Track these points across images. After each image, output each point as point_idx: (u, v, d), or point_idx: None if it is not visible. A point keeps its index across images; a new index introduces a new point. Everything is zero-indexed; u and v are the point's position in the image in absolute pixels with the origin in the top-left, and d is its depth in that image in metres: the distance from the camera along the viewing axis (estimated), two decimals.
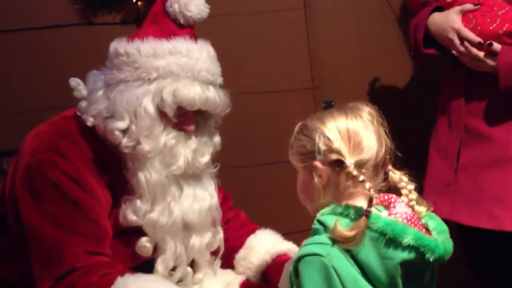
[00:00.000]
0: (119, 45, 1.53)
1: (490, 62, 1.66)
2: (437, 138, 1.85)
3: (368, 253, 1.14)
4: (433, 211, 1.26)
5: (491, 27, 1.63)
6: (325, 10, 2.37)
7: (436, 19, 1.74)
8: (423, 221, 1.23)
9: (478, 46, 1.65)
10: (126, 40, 1.54)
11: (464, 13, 1.70)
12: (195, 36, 1.56)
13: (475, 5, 1.68)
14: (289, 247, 1.66)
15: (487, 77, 1.69)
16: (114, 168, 1.53)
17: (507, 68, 1.62)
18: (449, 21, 1.69)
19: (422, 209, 1.23)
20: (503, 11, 1.63)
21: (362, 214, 1.15)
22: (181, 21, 1.53)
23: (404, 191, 1.23)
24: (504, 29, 1.60)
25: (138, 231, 1.53)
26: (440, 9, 1.77)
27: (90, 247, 1.46)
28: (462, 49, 1.68)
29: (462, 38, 1.67)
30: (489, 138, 1.69)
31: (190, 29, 1.55)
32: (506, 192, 1.65)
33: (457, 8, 1.71)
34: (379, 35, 2.40)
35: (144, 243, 1.53)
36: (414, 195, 1.23)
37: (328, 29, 2.39)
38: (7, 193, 1.53)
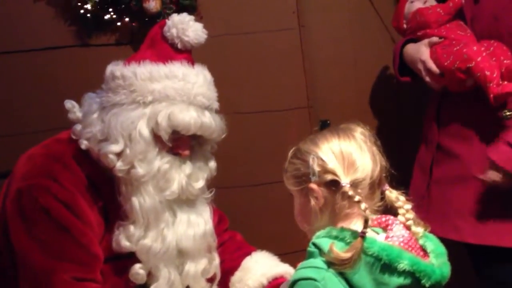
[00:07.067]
0: (115, 68, 1.55)
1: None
2: (418, 154, 2.04)
3: (363, 278, 1.16)
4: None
5: (445, 63, 1.81)
6: (319, 29, 2.42)
7: (409, 50, 1.96)
8: (420, 242, 1.25)
9: (440, 76, 1.85)
10: (123, 63, 1.57)
11: (431, 46, 1.89)
12: (192, 61, 1.59)
13: (440, 38, 1.88)
14: (285, 270, 1.68)
15: (455, 102, 1.88)
16: (108, 192, 1.54)
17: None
18: (419, 53, 1.90)
19: (419, 230, 1.25)
20: (457, 48, 1.81)
21: (357, 237, 1.17)
22: (179, 45, 1.56)
23: (401, 211, 1.24)
24: (455, 65, 1.78)
25: (130, 256, 1.54)
26: (415, 40, 1.98)
27: (79, 274, 1.46)
28: (427, 79, 1.88)
29: (427, 69, 1.87)
30: (456, 156, 1.87)
31: (187, 53, 1.58)
32: (467, 206, 1.82)
33: (425, 41, 1.91)
34: (374, 54, 2.45)
35: (138, 270, 1.54)
36: (411, 215, 1.24)
37: (322, 48, 2.43)
38: None
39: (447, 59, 1.81)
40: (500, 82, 1.72)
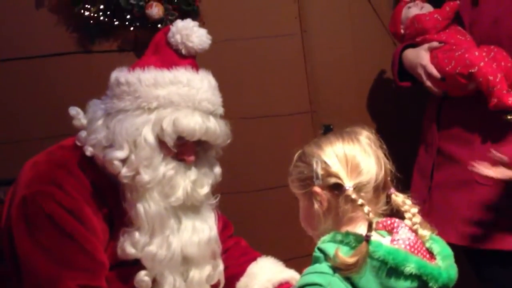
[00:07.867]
0: (120, 74, 1.56)
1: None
2: (418, 159, 2.06)
3: (370, 282, 1.16)
4: None
5: (447, 68, 1.84)
6: (321, 34, 2.43)
7: (408, 55, 1.98)
8: (427, 244, 1.26)
9: (441, 81, 1.88)
10: (127, 70, 1.57)
11: (431, 50, 1.92)
12: (196, 67, 1.60)
13: (440, 43, 1.91)
14: (291, 275, 1.68)
15: (455, 106, 1.91)
16: (113, 199, 1.55)
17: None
18: (419, 58, 1.92)
19: (426, 233, 1.26)
20: (459, 53, 1.83)
21: (362, 241, 1.18)
22: (183, 51, 1.57)
23: (407, 215, 1.25)
24: (457, 71, 1.81)
25: (135, 263, 1.54)
26: (414, 45, 2.00)
27: (85, 281, 1.47)
28: (428, 83, 1.90)
29: (427, 74, 1.90)
30: (457, 160, 1.88)
31: (192, 59, 1.59)
32: (469, 210, 1.82)
33: (425, 46, 1.94)
34: (376, 58, 2.46)
35: (143, 277, 1.54)
36: (417, 219, 1.26)
37: (324, 53, 2.44)
38: (4, 223, 1.54)
39: (448, 64, 1.82)
40: (509, 90, 1.73)
